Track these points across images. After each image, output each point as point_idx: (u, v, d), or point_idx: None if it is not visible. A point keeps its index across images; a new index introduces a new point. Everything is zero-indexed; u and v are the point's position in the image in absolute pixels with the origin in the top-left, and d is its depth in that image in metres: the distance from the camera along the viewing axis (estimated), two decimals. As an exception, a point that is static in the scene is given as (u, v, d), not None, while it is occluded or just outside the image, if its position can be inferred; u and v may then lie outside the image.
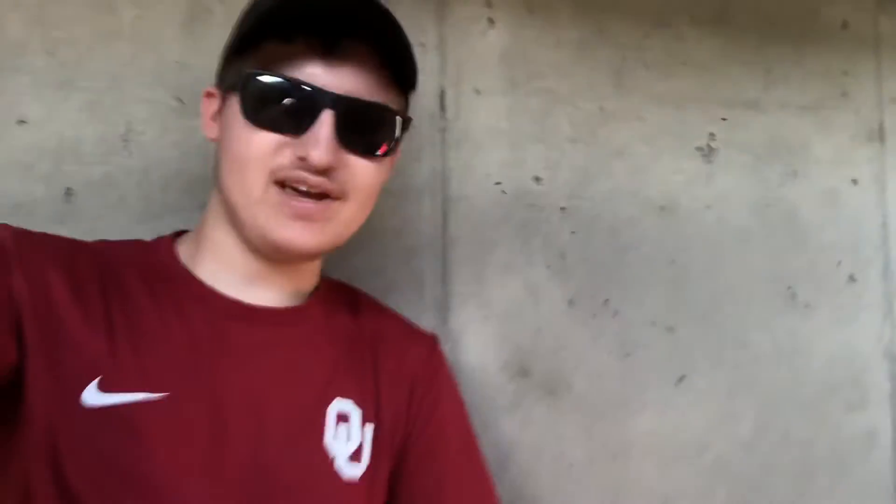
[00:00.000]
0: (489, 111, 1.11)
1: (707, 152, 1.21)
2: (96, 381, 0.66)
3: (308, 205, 0.72)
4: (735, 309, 1.20)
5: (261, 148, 0.71)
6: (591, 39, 1.17)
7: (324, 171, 0.71)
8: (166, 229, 0.89)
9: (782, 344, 1.22)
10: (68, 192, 0.92)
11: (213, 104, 0.80)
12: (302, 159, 0.70)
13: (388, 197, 1.04)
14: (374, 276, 1.04)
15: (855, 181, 1.29)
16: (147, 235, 0.86)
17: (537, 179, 1.12)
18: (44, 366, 0.66)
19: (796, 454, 1.21)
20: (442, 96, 1.08)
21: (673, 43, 1.21)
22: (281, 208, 0.71)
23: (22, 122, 0.90)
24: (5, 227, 0.71)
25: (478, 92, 1.10)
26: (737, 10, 1.25)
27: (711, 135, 1.22)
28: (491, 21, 1.12)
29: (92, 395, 0.66)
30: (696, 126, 1.21)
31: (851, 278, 1.27)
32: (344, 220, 0.76)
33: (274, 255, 0.76)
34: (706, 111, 1.22)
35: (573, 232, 1.13)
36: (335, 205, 0.74)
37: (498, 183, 1.10)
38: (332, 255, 0.98)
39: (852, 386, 1.26)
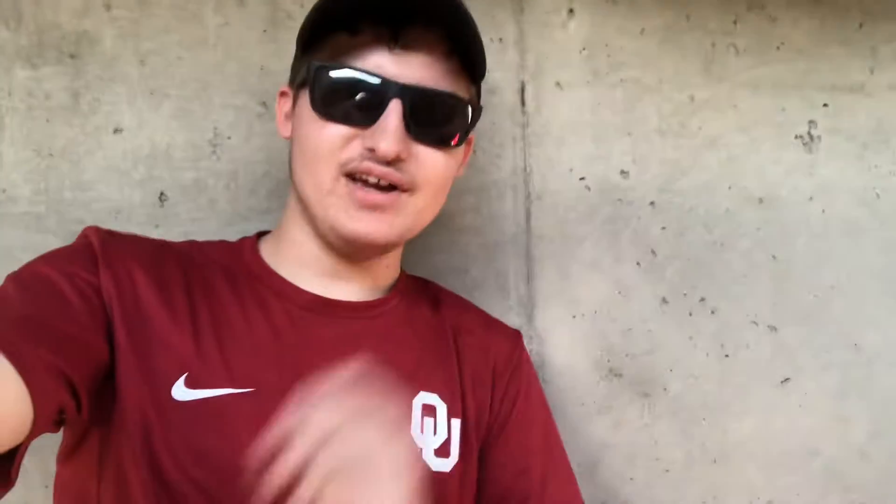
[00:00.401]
0: (571, 104, 1.08)
1: (808, 141, 1.14)
2: (183, 378, 0.69)
3: (376, 195, 0.72)
4: (844, 307, 1.13)
5: (330, 140, 0.72)
6: (677, 26, 1.12)
7: (392, 162, 0.71)
8: (254, 231, 0.91)
9: (898, 344, 1.14)
10: (162, 197, 0.96)
11: (287, 103, 0.82)
12: (370, 150, 0.70)
13: (470, 195, 1.03)
14: (457, 275, 1.03)
15: (977, 166, 1.19)
16: (236, 237, 0.89)
17: (624, 173, 1.08)
18: (134, 363, 0.68)
19: (919, 463, 1.12)
20: (522, 91, 1.07)
21: (766, 26, 1.15)
22: (350, 199, 0.72)
23: (118, 130, 0.95)
24: (95, 230, 0.75)
25: (559, 85, 1.08)
26: (837, -13, 1.18)
27: (812, 122, 1.15)
28: (571, 12, 1.09)
29: (180, 391, 0.68)
30: (796, 113, 1.14)
31: (977, 272, 1.17)
32: (414, 212, 0.76)
33: (346, 249, 0.77)
34: (806, 97, 1.15)
35: (664, 227, 1.09)
36: (404, 196, 0.74)
37: (582, 178, 1.08)
38: (415, 254, 0.98)
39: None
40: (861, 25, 1.18)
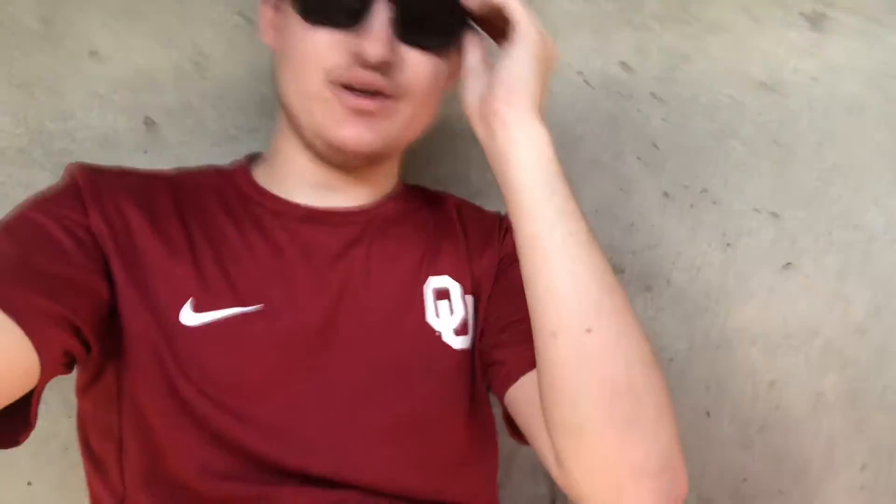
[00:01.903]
0: (566, -6, 1.05)
1: (814, 18, 1.12)
2: (189, 303, 0.70)
3: (363, 100, 0.71)
4: (845, 188, 1.14)
5: (315, 46, 0.70)
6: None
7: (380, 67, 0.69)
8: (245, 151, 0.91)
9: (898, 221, 1.17)
10: (147, 122, 0.95)
11: (270, 10, 0.79)
12: (357, 55, 0.69)
13: (466, 98, 1.02)
14: (457, 183, 1.04)
15: None
16: (227, 158, 0.88)
17: (624, 65, 1.07)
18: (136, 296, 0.69)
19: (915, 336, 1.18)
20: (514, -18, 1.04)
21: None
22: (336, 104, 0.71)
23: (94, 53, 0.92)
24: (79, 167, 0.74)
25: (553, -27, 1.05)
26: None
27: (818, -1, 1.13)
28: None
29: (188, 317, 0.70)
30: (800, -11, 1.12)
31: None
32: (402, 119, 0.75)
33: (336, 158, 0.76)
34: (811, -28, 1.12)
35: (665, 119, 1.09)
36: (390, 102, 0.73)
37: (580, 73, 1.07)
38: (416, 164, 0.99)
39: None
40: None
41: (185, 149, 0.96)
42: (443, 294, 0.80)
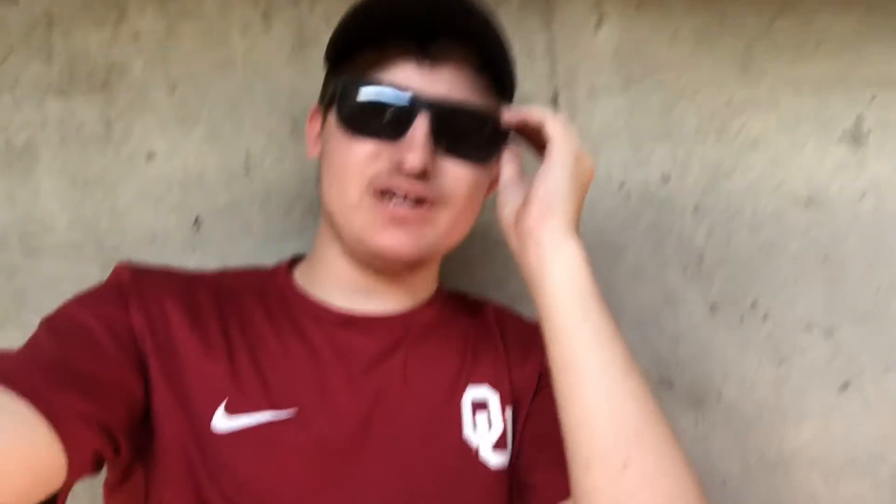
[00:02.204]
0: (606, 111, 1.09)
1: (856, 136, 1.14)
2: (223, 404, 0.69)
3: (403, 209, 0.72)
4: (903, 306, 1.12)
5: (358, 156, 0.72)
6: (710, 28, 1.13)
7: (420, 176, 0.71)
8: (290, 252, 0.93)
9: (963, 342, 1.12)
10: (197, 222, 0.98)
11: (317, 123, 0.83)
12: (398, 165, 0.71)
13: (508, 206, 1.04)
14: (496, 289, 1.04)
15: None
16: (272, 258, 0.90)
17: (665, 177, 1.09)
18: (171, 398, 0.69)
19: None
20: (555, 100, 1.08)
21: (804, 25, 1.15)
22: (376, 213, 0.72)
23: (151, 156, 0.98)
24: (126, 266, 0.76)
25: (593, 92, 1.10)
26: (875, -22, 1.19)
27: (860, 117, 1.15)
28: (600, 19, 1.11)
29: (221, 420, 0.69)
30: (841, 108, 1.14)
31: None
32: (442, 226, 0.76)
33: (376, 264, 0.77)
34: (850, 92, 1.15)
35: (709, 232, 1.09)
36: (432, 210, 0.74)
37: (622, 184, 1.09)
38: (454, 268, 1.00)
39: None
40: (903, 16, 1.18)
41: (231, 248, 0.99)
42: (481, 405, 0.78)
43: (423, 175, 0.71)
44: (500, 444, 0.76)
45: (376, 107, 0.72)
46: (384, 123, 0.72)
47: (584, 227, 1.02)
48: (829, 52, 1.15)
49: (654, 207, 1.08)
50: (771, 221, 1.10)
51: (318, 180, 0.80)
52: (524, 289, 1.02)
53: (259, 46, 1.02)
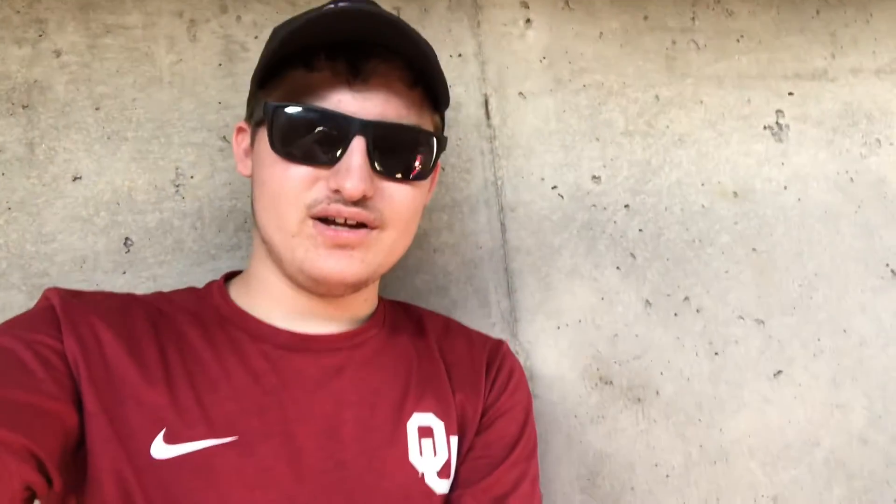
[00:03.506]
0: (536, 113, 1.16)
1: (777, 130, 1.23)
2: (161, 433, 0.69)
3: (345, 234, 0.74)
4: (829, 293, 1.21)
5: (294, 182, 0.73)
6: (635, 27, 1.21)
7: (359, 202, 0.73)
8: (225, 269, 0.96)
9: (887, 326, 1.22)
10: (127, 242, 1.01)
11: (245, 140, 0.84)
12: (336, 191, 0.72)
13: (443, 212, 1.10)
14: (437, 294, 1.09)
15: (946, 141, 1.29)
16: (205, 277, 0.94)
17: (595, 178, 1.16)
18: (107, 426, 0.68)
19: (919, 444, 1.20)
20: (486, 104, 1.14)
21: (724, 20, 1.24)
22: (318, 240, 0.74)
23: (77, 178, 1.00)
24: (56, 291, 0.76)
25: (522, 95, 1.16)
26: (790, -23, 1.28)
27: (779, 111, 1.24)
28: (528, 21, 1.17)
29: (159, 449, 0.69)
30: (762, 104, 1.24)
31: (957, 247, 1.27)
32: (385, 248, 0.78)
33: (316, 289, 0.79)
34: (770, 87, 1.25)
35: (641, 229, 1.17)
36: (374, 233, 0.76)
37: (554, 187, 1.15)
38: (394, 277, 1.04)
39: (974, 364, 1.24)
40: (818, 12, 1.28)
41: (163, 268, 1.01)
42: (427, 432, 0.80)
43: (363, 200, 0.73)
44: (444, 472, 0.79)
45: (310, 131, 0.73)
46: (319, 148, 0.73)
47: (522, 229, 1.10)
48: (749, 49, 1.24)
49: (586, 208, 1.15)
50: (700, 216, 1.19)
51: (251, 201, 0.82)
52: (463, 295, 1.08)
53: (186, 60, 1.04)
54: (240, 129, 0.86)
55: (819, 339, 1.19)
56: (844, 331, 1.20)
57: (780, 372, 1.17)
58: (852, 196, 1.24)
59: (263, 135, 0.76)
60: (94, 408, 0.69)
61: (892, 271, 1.23)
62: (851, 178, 1.24)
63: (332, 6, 0.75)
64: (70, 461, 0.68)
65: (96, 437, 0.68)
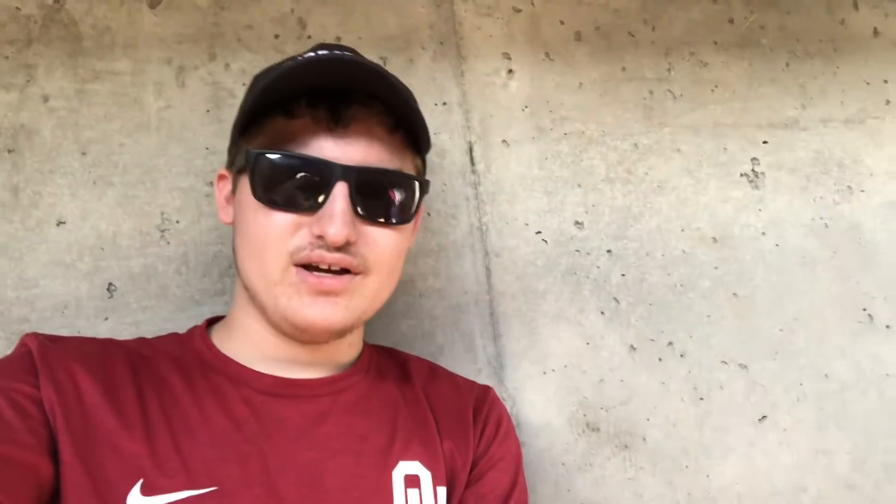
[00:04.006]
0: (520, 160, 1.19)
1: (753, 177, 1.28)
2: (138, 485, 0.68)
3: (329, 280, 0.75)
4: (809, 338, 1.24)
5: (276, 230, 0.74)
6: (613, 78, 1.27)
7: (343, 247, 0.74)
8: (209, 315, 0.96)
9: (867, 370, 1.25)
10: (110, 288, 1.01)
11: (226, 187, 0.85)
12: (319, 237, 0.73)
13: (428, 257, 1.12)
14: (423, 340, 1.10)
15: (916, 189, 1.35)
16: (189, 323, 0.94)
17: (578, 224, 1.19)
18: (83, 475, 0.68)
19: (903, 487, 1.22)
20: (471, 151, 1.18)
21: (699, 71, 1.30)
22: (301, 287, 0.74)
23: (61, 223, 1.01)
24: (34, 336, 0.76)
25: (506, 143, 1.20)
26: (760, 32, 1.35)
27: (755, 159, 1.29)
28: (510, 72, 1.22)
29: (136, 500, 0.68)
30: (738, 151, 1.29)
31: (930, 291, 1.31)
32: (369, 294, 0.79)
33: (300, 337, 0.79)
34: (745, 136, 1.30)
35: (623, 274, 1.20)
36: (358, 279, 0.77)
37: (538, 232, 1.18)
38: (379, 322, 1.06)
39: (953, 407, 1.27)
40: (788, 64, 1.35)
41: (147, 314, 1.01)
42: (413, 482, 0.80)
43: (346, 245, 0.74)
44: None
45: (292, 178, 0.74)
46: (301, 195, 0.74)
47: (507, 274, 1.12)
48: (723, 99, 1.30)
49: (569, 253, 1.18)
50: (681, 261, 1.22)
51: (233, 249, 0.83)
52: (449, 340, 1.09)
53: (174, 106, 1.07)
54: (221, 177, 0.87)
55: (801, 384, 1.22)
56: (826, 375, 1.23)
57: (764, 417, 1.19)
58: (828, 242, 1.29)
59: (245, 182, 0.77)
60: (69, 457, 0.68)
61: (870, 316, 1.27)
62: (826, 224, 1.29)
63: (313, 54, 0.78)
64: None
65: (72, 487, 0.67)
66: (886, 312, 1.28)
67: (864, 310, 1.28)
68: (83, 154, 1.03)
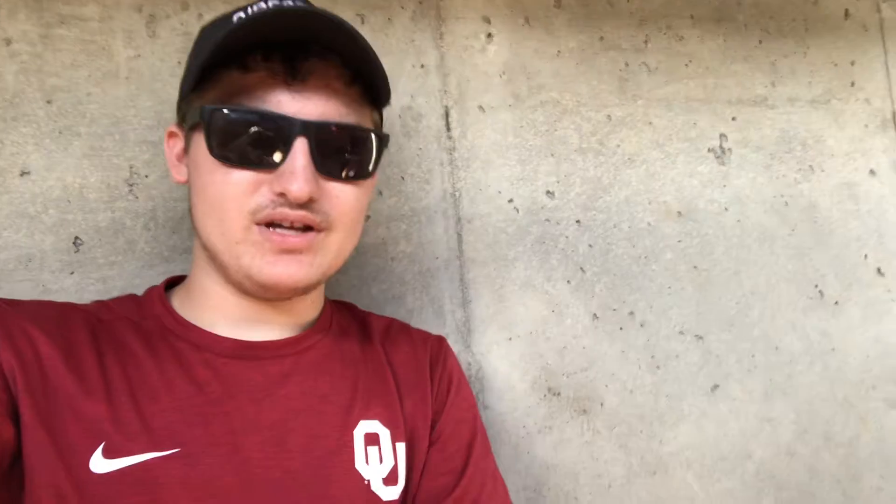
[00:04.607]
0: (495, 127, 1.18)
1: (720, 153, 1.29)
2: (100, 448, 0.68)
3: (293, 238, 0.73)
4: (763, 312, 1.27)
5: (235, 188, 0.72)
6: (591, 47, 1.25)
7: (305, 204, 0.72)
8: (178, 272, 0.94)
9: (815, 343, 1.29)
10: (76, 241, 0.98)
11: (178, 144, 0.81)
12: (281, 195, 0.71)
13: (401, 221, 1.11)
14: (393, 304, 1.10)
15: (873, 172, 1.38)
16: (158, 280, 0.91)
17: (550, 194, 1.19)
18: (45, 439, 0.67)
19: (841, 456, 1.27)
20: (447, 116, 1.16)
21: (675, 44, 1.30)
22: (264, 245, 0.73)
23: (25, 173, 0.96)
24: None
25: (482, 109, 1.18)
26: (736, 8, 1.34)
27: (723, 135, 1.30)
28: (489, 36, 1.19)
29: (98, 463, 0.67)
30: (707, 127, 1.29)
31: (879, 272, 1.35)
32: (333, 250, 0.78)
33: (264, 295, 0.78)
34: (715, 112, 1.30)
35: (591, 244, 1.20)
36: (321, 236, 0.75)
37: (510, 200, 1.17)
38: (351, 285, 1.05)
39: (891, 381, 1.32)
40: (760, 42, 1.34)
41: (114, 270, 0.98)
42: (373, 439, 0.80)
43: (309, 202, 0.72)
44: (390, 480, 0.79)
45: (250, 135, 0.71)
46: (259, 152, 0.71)
47: (478, 241, 1.12)
48: (696, 74, 1.30)
49: (540, 222, 1.18)
50: (646, 233, 1.23)
51: (190, 208, 0.80)
52: (419, 305, 1.09)
53: (144, 56, 1.02)
54: (171, 134, 0.83)
55: (753, 356, 1.25)
56: (776, 348, 1.26)
57: (717, 386, 1.22)
58: (787, 219, 1.31)
59: (200, 139, 0.74)
60: (31, 420, 0.67)
61: (821, 292, 1.31)
62: (786, 202, 1.31)
63: (265, 5, 0.73)
64: (6, 475, 0.66)
65: (34, 450, 0.67)
66: (836, 289, 1.32)
67: (816, 286, 1.31)
68: (48, 102, 0.98)
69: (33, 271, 0.96)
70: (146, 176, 1.01)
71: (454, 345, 1.11)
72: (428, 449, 0.85)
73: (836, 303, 1.32)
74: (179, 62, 1.03)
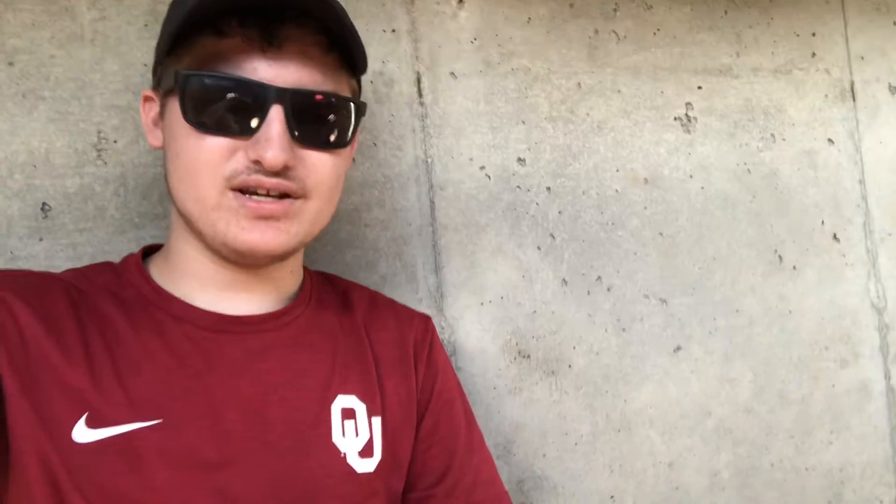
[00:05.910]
0: (467, 94, 1.15)
1: (686, 122, 1.27)
2: (83, 418, 0.66)
3: (269, 204, 0.71)
4: (725, 276, 1.27)
5: (210, 154, 0.70)
6: (561, 14, 1.22)
7: (280, 172, 0.70)
8: (149, 239, 0.91)
9: (773, 307, 1.30)
10: (44, 207, 0.93)
11: (153, 109, 0.78)
12: (256, 162, 0.69)
13: (374, 188, 1.08)
14: (367, 269, 1.07)
15: (831, 140, 1.37)
16: (129, 246, 0.88)
17: (521, 161, 1.17)
18: (28, 409, 0.66)
19: (794, 413, 1.28)
20: (419, 82, 1.12)
21: (643, 13, 1.27)
22: (241, 212, 0.71)
23: (-12, 136, 0.91)
24: None
25: (454, 75, 1.14)
26: (703, -24, 1.32)
27: (689, 104, 1.28)
28: (460, 2, 1.16)
29: (81, 433, 0.66)
30: (674, 96, 1.27)
31: (835, 237, 1.36)
32: (309, 218, 0.75)
33: (241, 262, 0.76)
34: (682, 80, 1.28)
35: (560, 211, 1.18)
36: (298, 203, 0.73)
37: (482, 167, 1.15)
38: (324, 251, 1.02)
39: (843, 342, 1.34)
40: (726, 12, 1.32)
41: (84, 236, 0.95)
42: (349, 413, 0.79)
43: (285, 170, 0.70)
44: (365, 452, 0.79)
45: (226, 101, 0.69)
46: (236, 118, 0.69)
47: (450, 208, 1.09)
48: (664, 43, 1.28)
49: (511, 189, 1.16)
50: (613, 200, 1.22)
51: (165, 174, 0.76)
52: (392, 271, 1.06)
53: (109, 17, 0.97)
54: (147, 98, 0.80)
55: (715, 319, 1.25)
56: (737, 311, 1.27)
57: (679, 348, 1.22)
58: (749, 186, 1.30)
59: (175, 104, 0.71)
60: (14, 390, 0.66)
61: (780, 257, 1.31)
62: (749, 170, 1.30)
63: None
64: None
65: (17, 419, 0.65)
66: (794, 254, 1.32)
67: (776, 251, 1.31)
68: (10, 64, 0.93)
69: (1, 238, 0.91)
70: (115, 141, 0.97)
71: (427, 310, 1.09)
72: (416, 430, 0.86)
73: (794, 267, 1.32)
74: (146, 24, 0.98)
